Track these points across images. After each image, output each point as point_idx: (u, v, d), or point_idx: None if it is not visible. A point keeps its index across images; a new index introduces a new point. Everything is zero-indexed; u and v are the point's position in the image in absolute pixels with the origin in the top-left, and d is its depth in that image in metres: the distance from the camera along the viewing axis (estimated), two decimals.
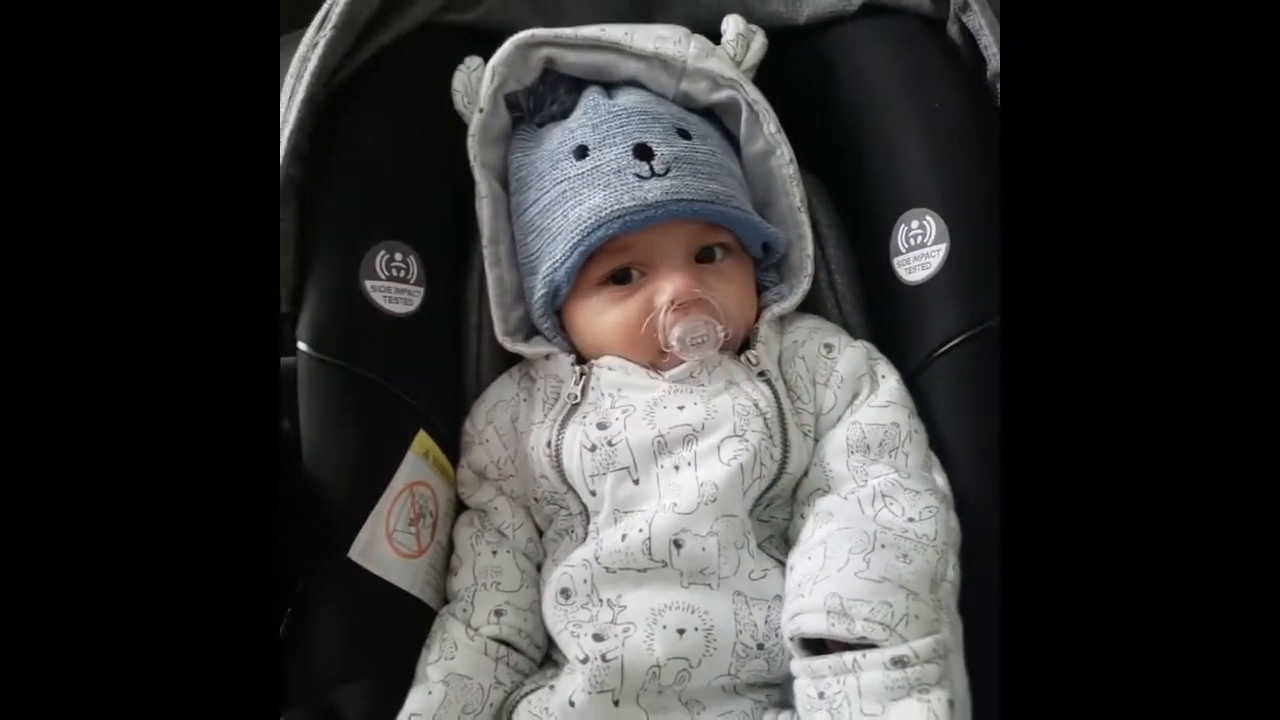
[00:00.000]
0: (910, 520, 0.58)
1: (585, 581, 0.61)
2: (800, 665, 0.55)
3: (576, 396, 0.66)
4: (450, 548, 0.68)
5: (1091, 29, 0.44)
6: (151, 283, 0.42)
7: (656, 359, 0.65)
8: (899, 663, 0.50)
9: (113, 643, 0.39)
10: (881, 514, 0.59)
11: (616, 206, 0.62)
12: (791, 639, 0.56)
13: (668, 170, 0.63)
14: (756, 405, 0.63)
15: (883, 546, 0.55)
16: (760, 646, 0.59)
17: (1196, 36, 0.42)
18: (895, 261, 0.69)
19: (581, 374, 0.66)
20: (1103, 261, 0.43)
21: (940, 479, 0.63)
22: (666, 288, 0.63)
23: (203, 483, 0.41)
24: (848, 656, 0.52)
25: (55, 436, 0.39)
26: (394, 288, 0.67)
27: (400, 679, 0.61)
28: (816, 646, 0.55)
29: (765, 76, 0.73)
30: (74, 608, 0.38)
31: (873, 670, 0.51)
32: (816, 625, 0.53)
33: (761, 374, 0.66)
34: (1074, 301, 0.43)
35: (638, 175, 0.63)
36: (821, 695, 0.52)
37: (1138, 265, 0.43)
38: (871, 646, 0.51)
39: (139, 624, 0.39)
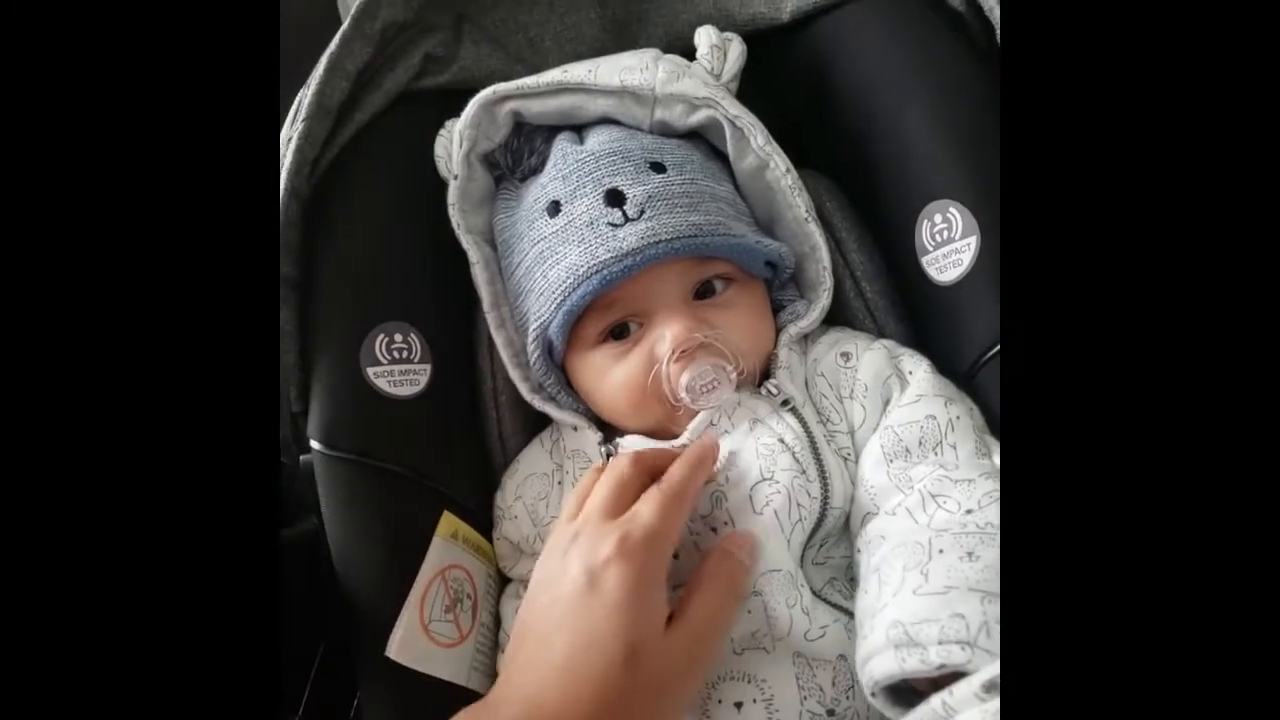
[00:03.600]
0: (969, 512, 0.50)
1: None
2: None
3: None
4: (497, 623, 0.66)
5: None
6: (139, 387, 0.38)
7: (672, 416, 0.60)
8: (993, 687, 0.40)
9: None
10: (936, 517, 0.51)
11: (592, 262, 0.58)
12: (873, 695, 0.48)
13: (641, 213, 0.58)
14: (782, 441, 0.57)
15: (941, 551, 0.47)
16: (831, 713, 0.53)
17: None
18: (924, 261, 0.62)
19: (608, 455, 0.62)
20: (1127, 261, 0.36)
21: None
22: (666, 335, 0.58)
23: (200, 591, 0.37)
24: (936, 700, 0.43)
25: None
26: (397, 370, 0.65)
27: None
28: (909, 695, 0.47)
29: (758, 81, 0.67)
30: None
31: (968, 708, 0.41)
32: (886, 666, 0.45)
33: (785, 403, 0.60)
34: (1087, 318, 0.36)
35: (611, 224, 0.58)
36: None
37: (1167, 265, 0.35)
38: (960, 676, 0.42)
39: None
